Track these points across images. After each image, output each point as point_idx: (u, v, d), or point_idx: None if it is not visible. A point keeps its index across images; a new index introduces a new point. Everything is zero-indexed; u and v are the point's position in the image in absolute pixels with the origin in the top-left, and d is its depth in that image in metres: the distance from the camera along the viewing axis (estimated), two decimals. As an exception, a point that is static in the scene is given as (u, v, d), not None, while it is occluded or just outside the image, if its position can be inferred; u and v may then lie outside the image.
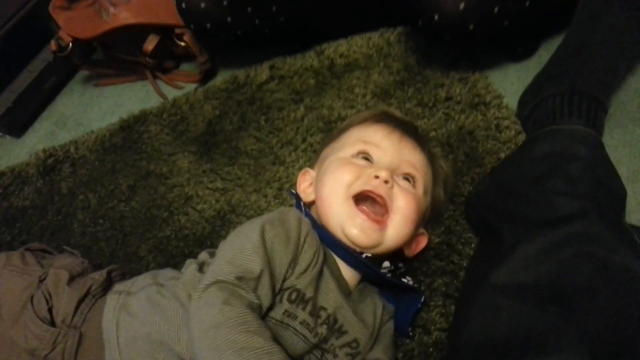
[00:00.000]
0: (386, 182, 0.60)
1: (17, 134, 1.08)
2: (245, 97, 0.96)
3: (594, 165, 0.64)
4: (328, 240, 0.61)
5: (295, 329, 0.55)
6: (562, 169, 0.63)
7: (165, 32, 1.00)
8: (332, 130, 0.85)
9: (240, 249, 0.55)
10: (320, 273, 0.58)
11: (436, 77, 0.92)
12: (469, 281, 0.66)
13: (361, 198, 0.61)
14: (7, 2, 1.09)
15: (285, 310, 0.55)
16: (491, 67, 0.95)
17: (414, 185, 0.64)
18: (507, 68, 0.95)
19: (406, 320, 0.65)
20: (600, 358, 0.47)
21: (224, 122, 0.94)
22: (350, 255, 0.61)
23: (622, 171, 0.72)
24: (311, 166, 0.74)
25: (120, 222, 0.84)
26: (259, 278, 0.53)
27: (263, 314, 0.53)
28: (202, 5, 0.87)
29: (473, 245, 0.72)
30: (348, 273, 0.62)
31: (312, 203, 0.67)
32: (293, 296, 0.56)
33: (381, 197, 0.60)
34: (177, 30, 0.99)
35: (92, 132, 0.97)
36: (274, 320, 0.55)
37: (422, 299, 0.66)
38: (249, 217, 0.80)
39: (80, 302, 0.59)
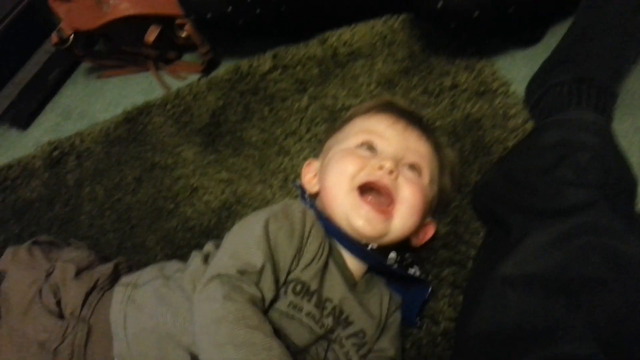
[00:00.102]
0: (391, 172, 0.60)
1: (23, 126, 1.08)
2: (248, 87, 0.95)
3: (603, 153, 0.63)
4: (333, 232, 0.61)
5: (301, 320, 0.55)
6: (571, 158, 0.62)
7: (166, 22, 0.99)
8: (336, 120, 0.84)
9: (243, 243, 0.55)
10: (325, 265, 0.58)
11: (441, 65, 0.91)
12: (477, 271, 0.66)
13: (366, 189, 0.61)
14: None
15: (291, 302, 0.55)
16: (498, 53, 0.93)
17: (419, 175, 0.64)
18: (514, 54, 0.93)
19: (414, 310, 0.65)
20: (609, 349, 0.47)
21: (227, 112, 0.93)
22: (356, 246, 0.60)
23: (633, 159, 0.71)
24: (316, 156, 0.74)
25: (127, 214, 0.84)
26: (261, 272, 0.53)
27: (267, 306, 0.53)
28: (202, -6, 0.86)
29: (481, 234, 0.72)
30: (354, 264, 0.62)
31: (317, 194, 0.67)
32: (298, 288, 0.56)
33: (385, 187, 0.60)
34: (178, 21, 0.98)
35: (96, 124, 0.97)
36: (279, 312, 0.55)
37: (430, 290, 0.66)
38: (255, 208, 0.80)
39: (88, 294, 0.60)
